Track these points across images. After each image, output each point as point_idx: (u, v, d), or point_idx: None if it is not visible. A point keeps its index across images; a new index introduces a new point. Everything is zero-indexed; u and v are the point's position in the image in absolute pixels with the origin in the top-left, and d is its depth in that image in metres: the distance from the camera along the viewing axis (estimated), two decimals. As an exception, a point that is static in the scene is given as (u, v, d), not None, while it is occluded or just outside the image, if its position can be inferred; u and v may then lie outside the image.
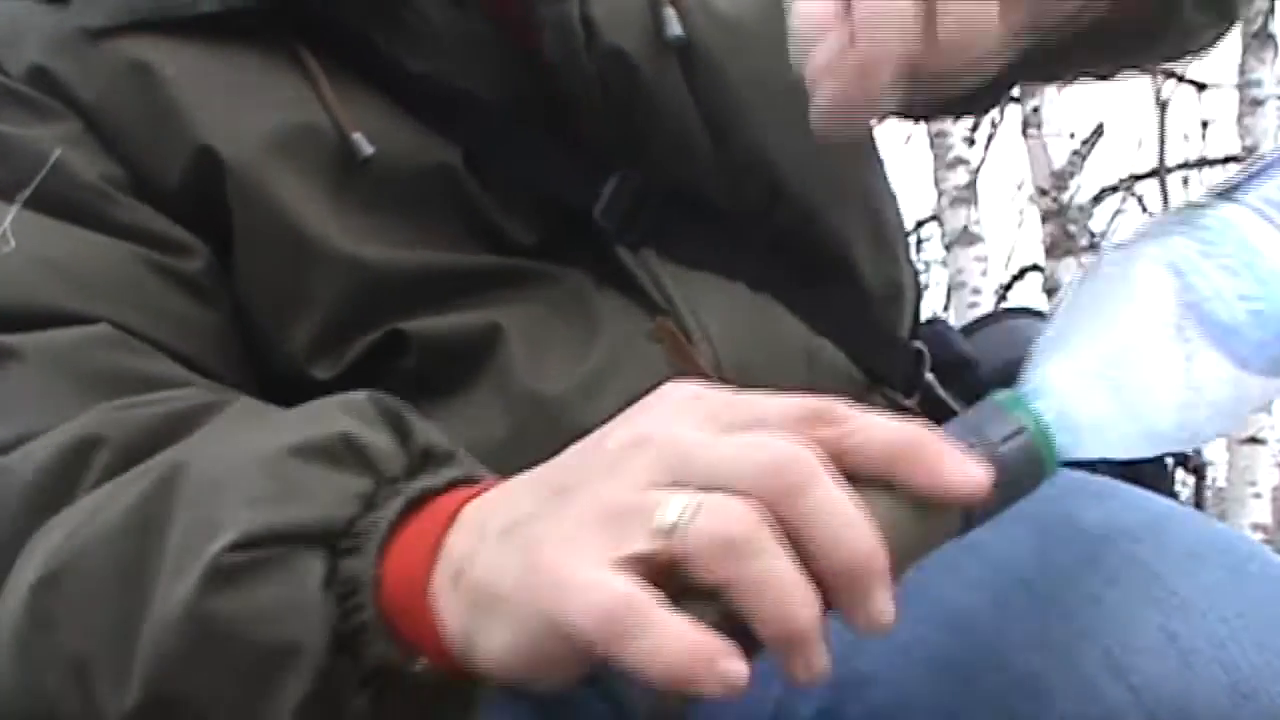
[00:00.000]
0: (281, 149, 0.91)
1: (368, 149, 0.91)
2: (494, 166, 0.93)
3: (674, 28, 0.94)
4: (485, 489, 0.68)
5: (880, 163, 1.07)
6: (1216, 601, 0.68)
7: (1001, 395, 0.66)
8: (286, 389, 0.92)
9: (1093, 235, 5.20)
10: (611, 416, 0.85)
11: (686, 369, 0.90)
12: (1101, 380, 0.68)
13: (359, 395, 0.75)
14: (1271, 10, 5.10)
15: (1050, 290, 5.10)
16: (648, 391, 0.86)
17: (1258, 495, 4.77)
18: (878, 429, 0.59)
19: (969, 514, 0.62)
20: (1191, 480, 1.25)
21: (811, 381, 0.95)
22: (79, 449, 0.79)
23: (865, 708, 0.78)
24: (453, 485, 0.69)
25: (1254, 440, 4.75)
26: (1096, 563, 0.71)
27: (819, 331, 0.97)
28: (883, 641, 0.74)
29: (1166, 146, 4.77)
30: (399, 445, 0.71)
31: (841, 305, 0.99)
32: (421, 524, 0.67)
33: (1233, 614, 0.67)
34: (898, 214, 1.07)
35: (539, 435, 0.88)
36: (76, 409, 0.82)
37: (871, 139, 1.05)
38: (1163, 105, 4.31)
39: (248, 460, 0.72)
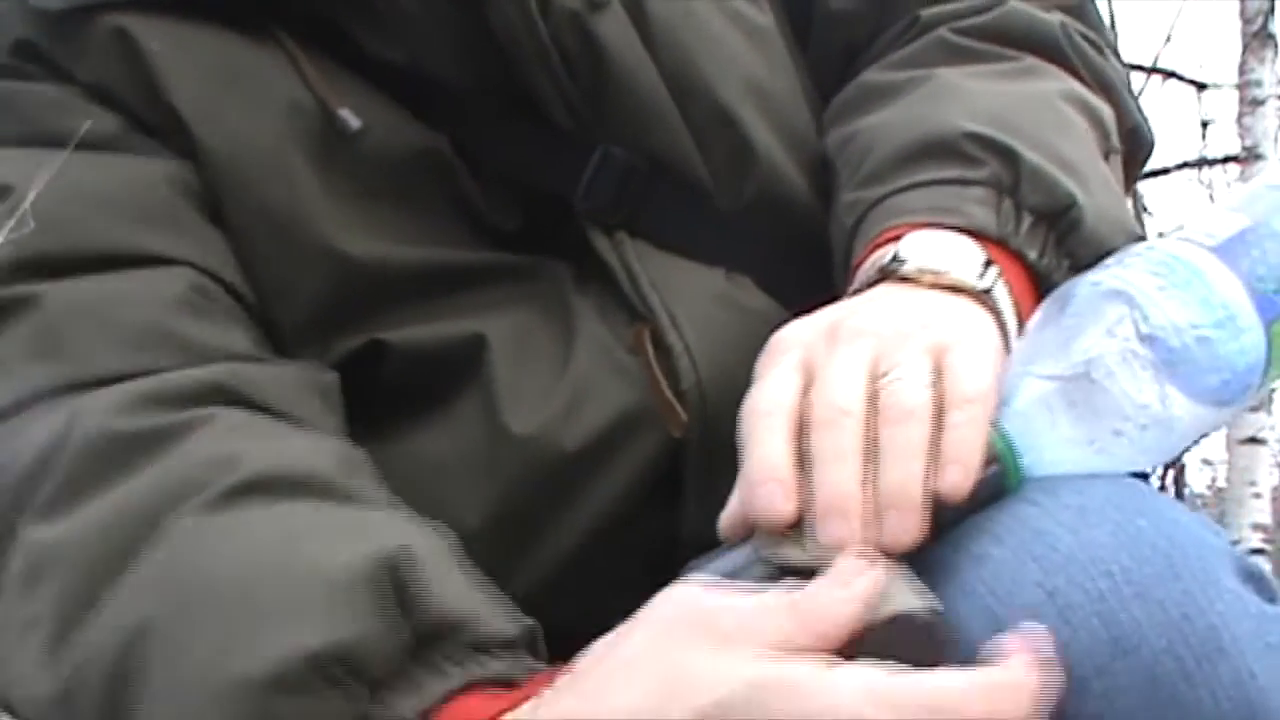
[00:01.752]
0: (265, 129, 0.89)
1: (355, 122, 0.89)
2: (474, 153, 0.92)
3: None
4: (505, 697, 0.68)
5: None
6: (1099, 555, 0.66)
7: None
8: None
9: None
10: (590, 437, 0.87)
11: (656, 394, 0.89)
12: (1061, 406, 0.71)
13: (367, 558, 0.70)
14: (1271, 10, 5.09)
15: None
16: (625, 413, 0.88)
17: (1258, 495, 4.75)
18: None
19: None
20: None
21: None
22: (45, 457, 0.79)
23: None
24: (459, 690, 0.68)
25: (1254, 440, 4.73)
26: (988, 524, 0.70)
27: (798, 311, 0.95)
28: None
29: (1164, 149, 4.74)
30: (397, 629, 0.68)
31: (819, 282, 0.96)
32: None
33: (1117, 568, 0.66)
34: None
35: (515, 461, 0.89)
36: (67, 377, 0.81)
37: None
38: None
39: (215, 683, 0.68)
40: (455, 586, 0.71)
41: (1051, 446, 0.72)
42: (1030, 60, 0.97)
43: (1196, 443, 0.83)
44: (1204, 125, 5.61)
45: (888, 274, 0.79)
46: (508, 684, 0.69)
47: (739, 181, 0.94)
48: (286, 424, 0.83)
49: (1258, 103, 5.05)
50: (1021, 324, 0.81)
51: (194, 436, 0.79)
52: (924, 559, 0.70)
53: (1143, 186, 5.66)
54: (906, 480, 0.67)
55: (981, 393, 0.70)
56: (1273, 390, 4.42)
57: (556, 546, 0.90)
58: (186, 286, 0.86)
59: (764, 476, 0.68)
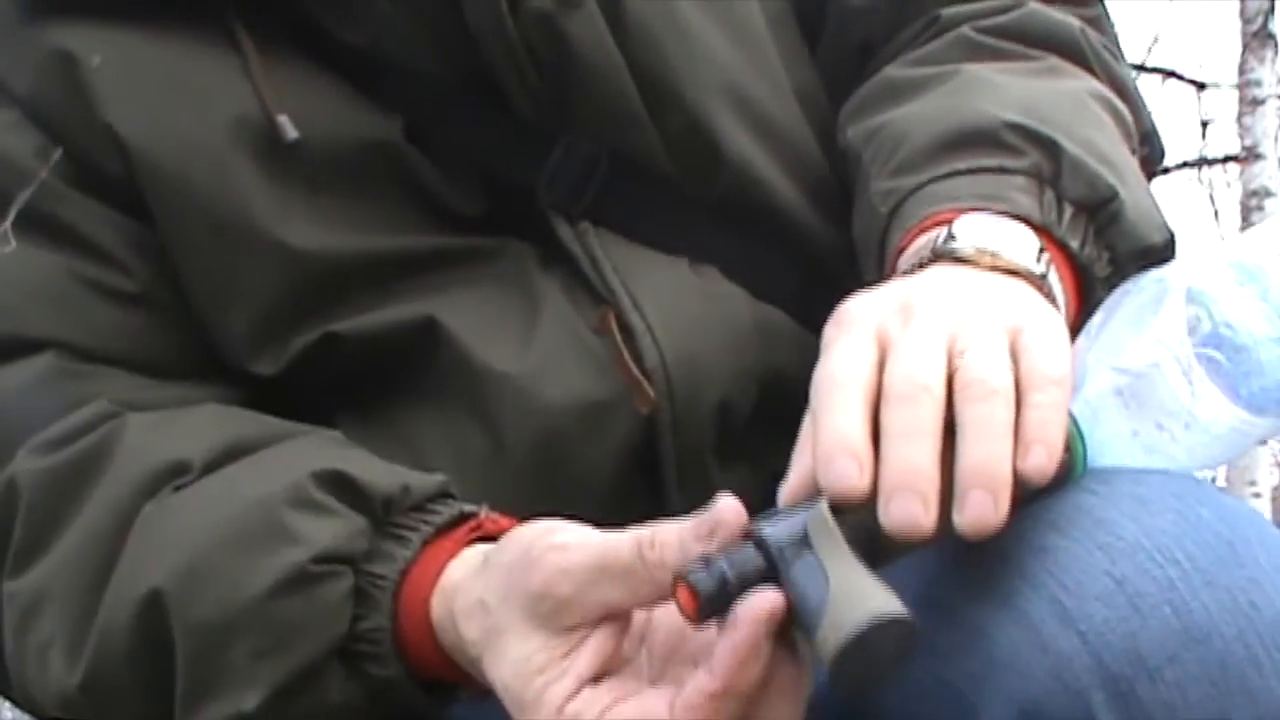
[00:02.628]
0: (207, 137, 0.90)
1: (292, 133, 0.90)
2: (436, 141, 0.92)
3: None
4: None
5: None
6: (1164, 544, 0.66)
7: None
8: (244, 377, 0.93)
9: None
10: (558, 410, 0.89)
11: (624, 374, 0.89)
12: (1118, 401, 0.71)
13: (299, 473, 0.82)
14: (1271, 10, 5.11)
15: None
16: (593, 393, 0.89)
17: (1257, 495, 4.77)
18: None
19: None
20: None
21: (769, 358, 0.94)
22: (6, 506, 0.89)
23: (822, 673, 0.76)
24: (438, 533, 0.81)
25: (1254, 440, 4.73)
26: (1046, 513, 0.69)
27: (769, 301, 0.95)
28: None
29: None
30: (358, 512, 0.81)
31: (792, 275, 0.97)
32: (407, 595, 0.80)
33: (1182, 556, 0.65)
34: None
35: (498, 411, 0.89)
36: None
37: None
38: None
39: (241, 608, 0.81)
40: (376, 469, 0.84)
41: (1107, 440, 0.71)
42: (1053, 60, 0.96)
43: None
44: (1204, 125, 5.62)
45: (942, 254, 0.78)
46: (451, 526, 0.82)
47: (706, 181, 0.94)
48: (181, 409, 0.92)
49: (1258, 102, 5.07)
50: (1068, 313, 0.80)
51: (119, 447, 0.88)
52: (982, 550, 0.70)
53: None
54: (992, 459, 0.66)
55: (1064, 375, 0.69)
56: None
57: None
58: (54, 364, 0.92)
59: (838, 449, 0.67)
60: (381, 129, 0.91)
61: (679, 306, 0.91)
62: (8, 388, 0.91)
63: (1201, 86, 5.58)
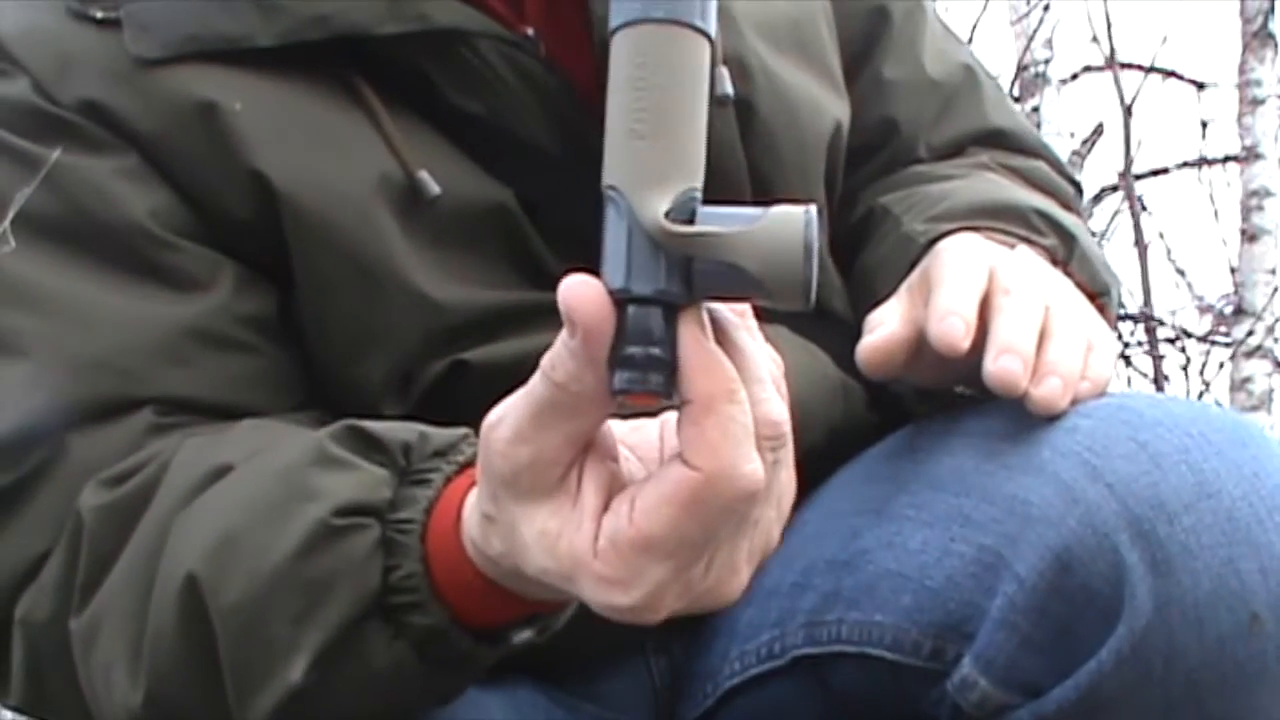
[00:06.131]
0: (349, 186, 0.93)
1: (434, 189, 0.93)
2: (544, 209, 0.97)
3: (724, 86, 0.97)
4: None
5: None
6: (1180, 421, 0.77)
7: None
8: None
9: (1093, 234, 5.22)
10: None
11: None
12: None
13: (320, 435, 0.84)
14: (1271, 10, 5.14)
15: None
16: None
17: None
18: None
19: None
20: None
21: (847, 413, 1.03)
22: (72, 543, 0.91)
23: (872, 570, 0.87)
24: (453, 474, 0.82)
25: (1253, 435, 4.76)
26: (1075, 404, 0.81)
27: (845, 370, 1.03)
28: (884, 510, 0.86)
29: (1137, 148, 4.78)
30: (378, 464, 0.82)
31: (846, 348, 1.04)
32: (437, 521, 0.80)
33: (1196, 431, 0.76)
34: None
35: None
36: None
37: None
38: (1128, 109, 4.42)
39: (270, 576, 0.81)
40: (394, 427, 0.84)
41: None
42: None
43: None
44: (1204, 125, 5.65)
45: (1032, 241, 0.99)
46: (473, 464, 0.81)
47: None
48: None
49: (1258, 102, 5.09)
50: None
51: (170, 469, 0.90)
52: (1016, 437, 0.80)
53: (1142, 186, 5.71)
54: (1075, 361, 0.81)
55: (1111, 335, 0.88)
56: (1272, 391, 4.47)
57: None
58: (148, 420, 0.94)
59: (950, 310, 0.83)
60: (499, 193, 0.95)
61: (785, 357, 0.95)
62: (104, 448, 0.93)
63: (1201, 86, 5.62)
